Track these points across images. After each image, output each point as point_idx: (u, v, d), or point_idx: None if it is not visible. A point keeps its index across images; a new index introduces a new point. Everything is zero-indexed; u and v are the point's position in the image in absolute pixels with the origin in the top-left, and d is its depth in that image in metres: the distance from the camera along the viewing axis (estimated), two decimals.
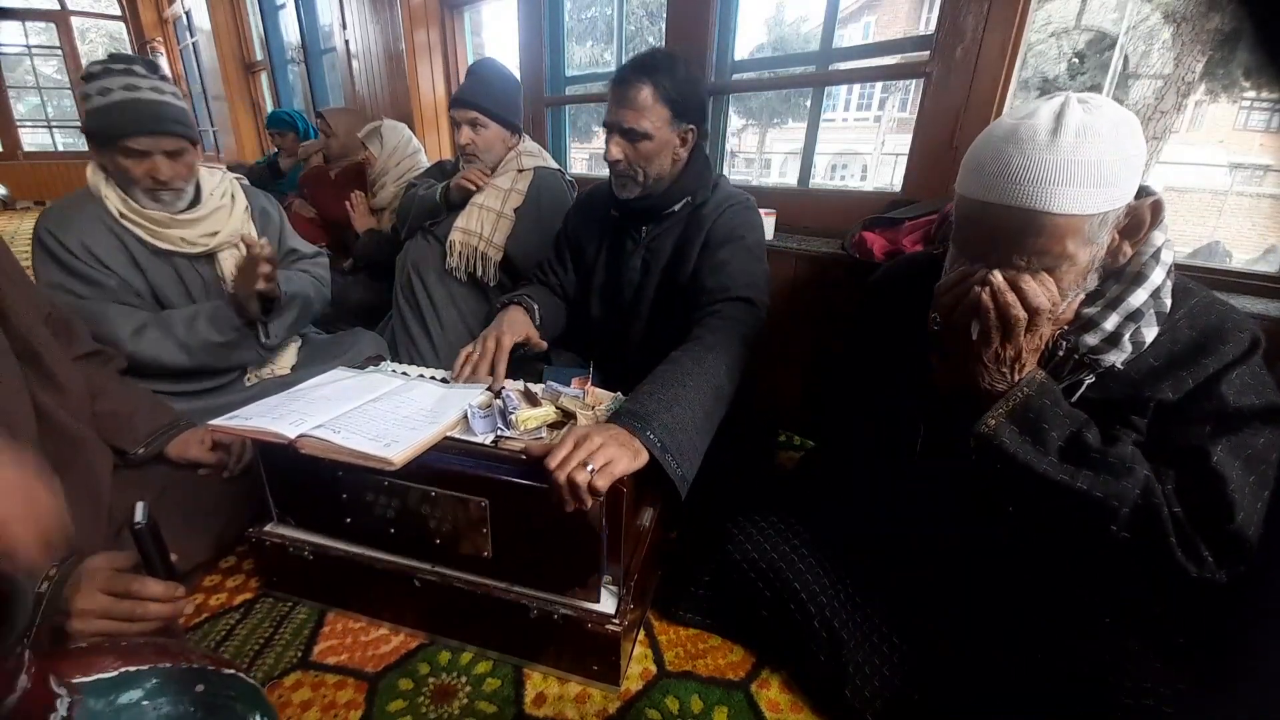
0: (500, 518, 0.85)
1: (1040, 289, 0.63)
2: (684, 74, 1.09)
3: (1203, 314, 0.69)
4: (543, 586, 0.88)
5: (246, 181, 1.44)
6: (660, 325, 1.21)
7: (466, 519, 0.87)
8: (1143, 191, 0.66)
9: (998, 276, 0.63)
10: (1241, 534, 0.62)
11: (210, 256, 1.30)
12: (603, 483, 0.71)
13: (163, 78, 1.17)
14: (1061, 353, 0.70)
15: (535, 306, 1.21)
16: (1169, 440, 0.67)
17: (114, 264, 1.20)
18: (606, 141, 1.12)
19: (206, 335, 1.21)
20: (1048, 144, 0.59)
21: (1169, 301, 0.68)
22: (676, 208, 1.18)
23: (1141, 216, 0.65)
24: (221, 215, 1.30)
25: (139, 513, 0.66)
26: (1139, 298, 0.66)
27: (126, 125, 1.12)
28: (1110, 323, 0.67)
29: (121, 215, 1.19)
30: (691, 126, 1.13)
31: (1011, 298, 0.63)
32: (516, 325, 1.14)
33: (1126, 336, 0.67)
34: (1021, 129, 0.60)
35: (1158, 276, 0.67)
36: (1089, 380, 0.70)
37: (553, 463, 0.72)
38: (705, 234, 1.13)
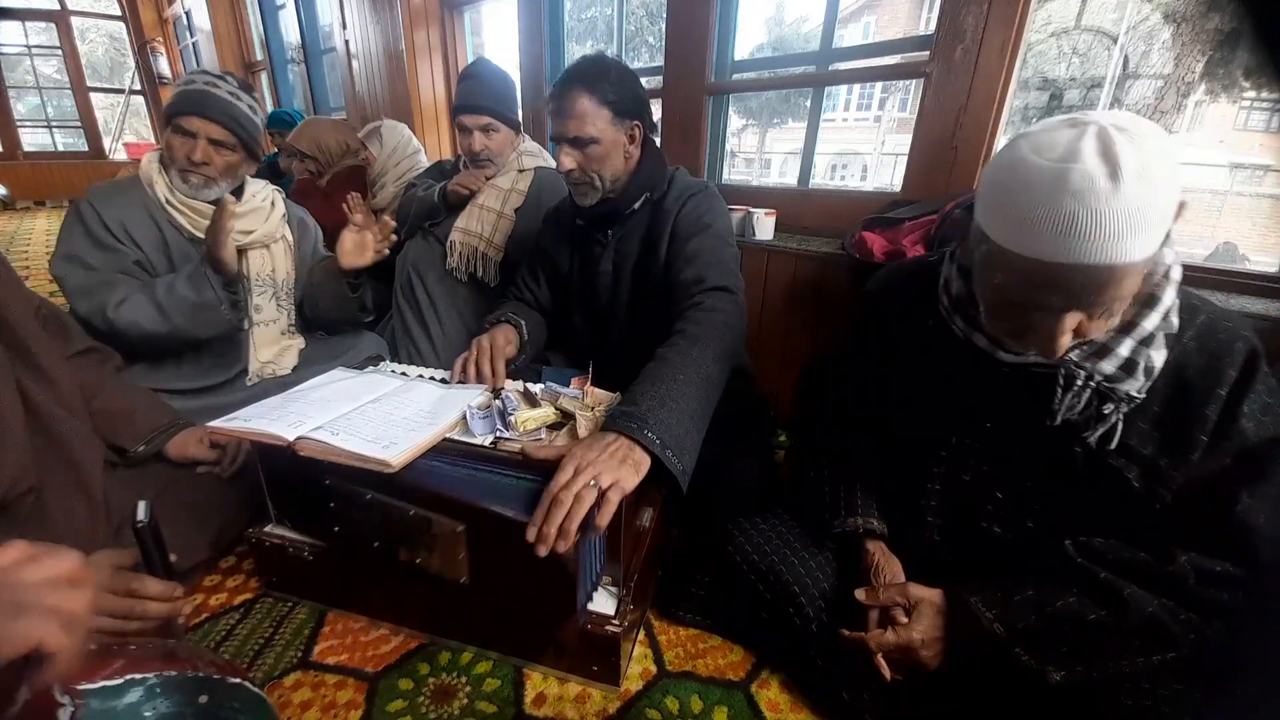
0: (478, 545, 0.82)
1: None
2: (616, 74, 1.11)
3: (1209, 333, 0.66)
4: (518, 619, 0.86)
5: (284, 194, 1.50)
6: (640, 325, 1.21)
7: (444, 542, 0.83)
8: None
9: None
10: (1264, 571, 0.63)
11: (240, 252, 1.34)
12: (615, 496, 0.70)
13: (253, 97, 1.30)
14: (1080, 382, 0.65)
15: (522, 323, 1.22)
16: (1195, 480, 0.66)
17: (143, 243, 1.25)
18: (557, 154, 1.14)
19: (183, 294, 1.20)
20: (1111, 192, 0.52)
21: (1177, 321, 0.65)
22: (636, 205, 1.19)
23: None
24: (259, 216, 1.37)
25: (141, 511, 0.66)
26: (1152, 321, 0.63)
27: (186, 106, 1.22)
28: (1125, 348, 0.64)
29: (167, 202, 1.26)
30: (636, 122, 1.14)
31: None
32: (498, 336, 1.16)
33: (1141, 363, 0.64)
34: (1073, 177, 0.53)
35: (1169, 297, 0.63)
36: (1116, 417, 0.66)
37: (555, 487, 0.70)
38: (671, 226, 1.14)
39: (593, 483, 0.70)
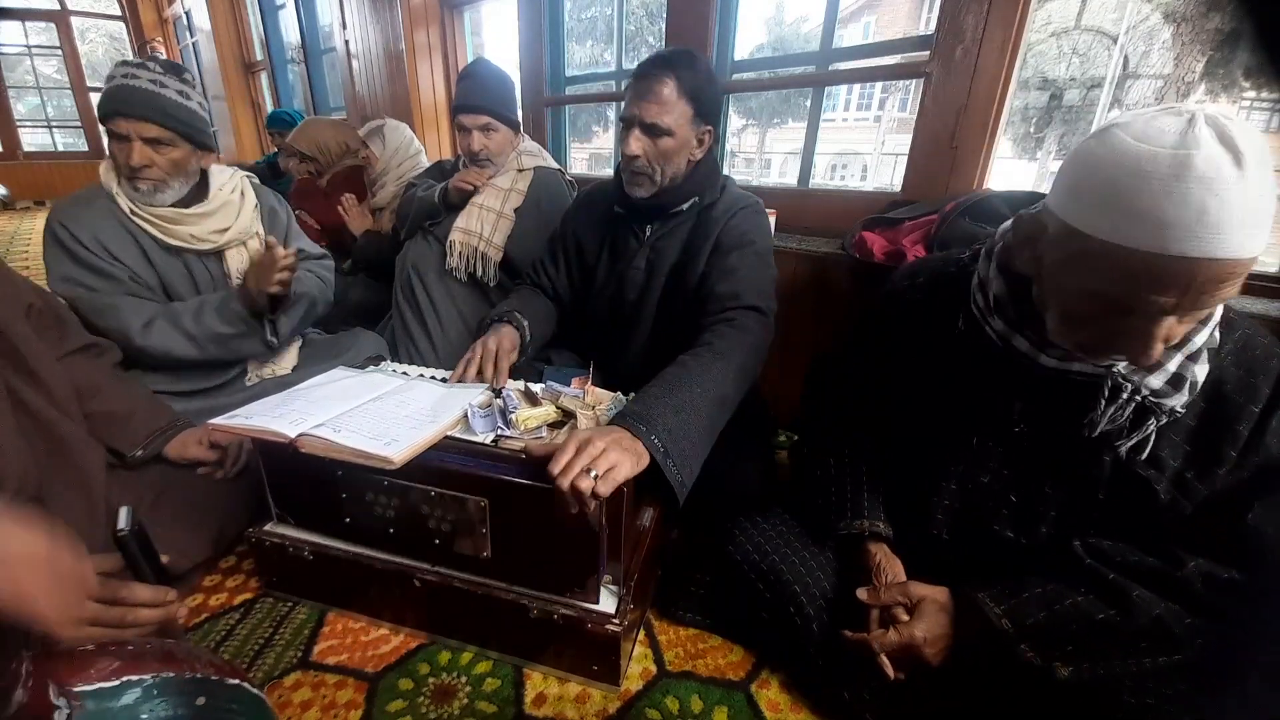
0: (499, 518, 0.85)
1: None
2: (705, 72, 1.08)
3: (1246, 349, 0.65)
4: (541, 587, 0.88)
5: (257, 180, 1.43)
6: (664, 327, 1.20)
7: (465, 519, 0.86)
8: None
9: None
10: (1272, 579, 0.63)
11: (219, 253, 1.31)
12: (605, 489, 0.70)
13: (183, 79, 1.18)
14: (1125, 394, 0.64)
15: (525, 324, 1.19)
16: (1218, 493, 0.66)
17: (126, 258, 1.20)
18: (623, 136, 1.09)
19: (213, 327, 1.20)
20: (1238, 179, 0.49)
21: (1218, 335, 0.64)
22: (684, 207, 1.17)
23: None
24: (229, 211, 1.30)
25: (122, 519, 0.64)
26: (1202, 336, 0.62)
27: (110, 108, 1.12)
28: (1174, 363, 0.62)
29: (132, 212, 1.20)
30: (709, 128, 1.11)
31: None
32: (502, 340, 1.13)
33: (1188, 379, 0.62)
34: (1198, 163, 0.50)
35: (1217, 312, 0.62)
36: (1152, 430, 0.65)
37: (555, 468, 0.71)
38: (715, 237, 1.12)
39: (591, 472, 0.70)
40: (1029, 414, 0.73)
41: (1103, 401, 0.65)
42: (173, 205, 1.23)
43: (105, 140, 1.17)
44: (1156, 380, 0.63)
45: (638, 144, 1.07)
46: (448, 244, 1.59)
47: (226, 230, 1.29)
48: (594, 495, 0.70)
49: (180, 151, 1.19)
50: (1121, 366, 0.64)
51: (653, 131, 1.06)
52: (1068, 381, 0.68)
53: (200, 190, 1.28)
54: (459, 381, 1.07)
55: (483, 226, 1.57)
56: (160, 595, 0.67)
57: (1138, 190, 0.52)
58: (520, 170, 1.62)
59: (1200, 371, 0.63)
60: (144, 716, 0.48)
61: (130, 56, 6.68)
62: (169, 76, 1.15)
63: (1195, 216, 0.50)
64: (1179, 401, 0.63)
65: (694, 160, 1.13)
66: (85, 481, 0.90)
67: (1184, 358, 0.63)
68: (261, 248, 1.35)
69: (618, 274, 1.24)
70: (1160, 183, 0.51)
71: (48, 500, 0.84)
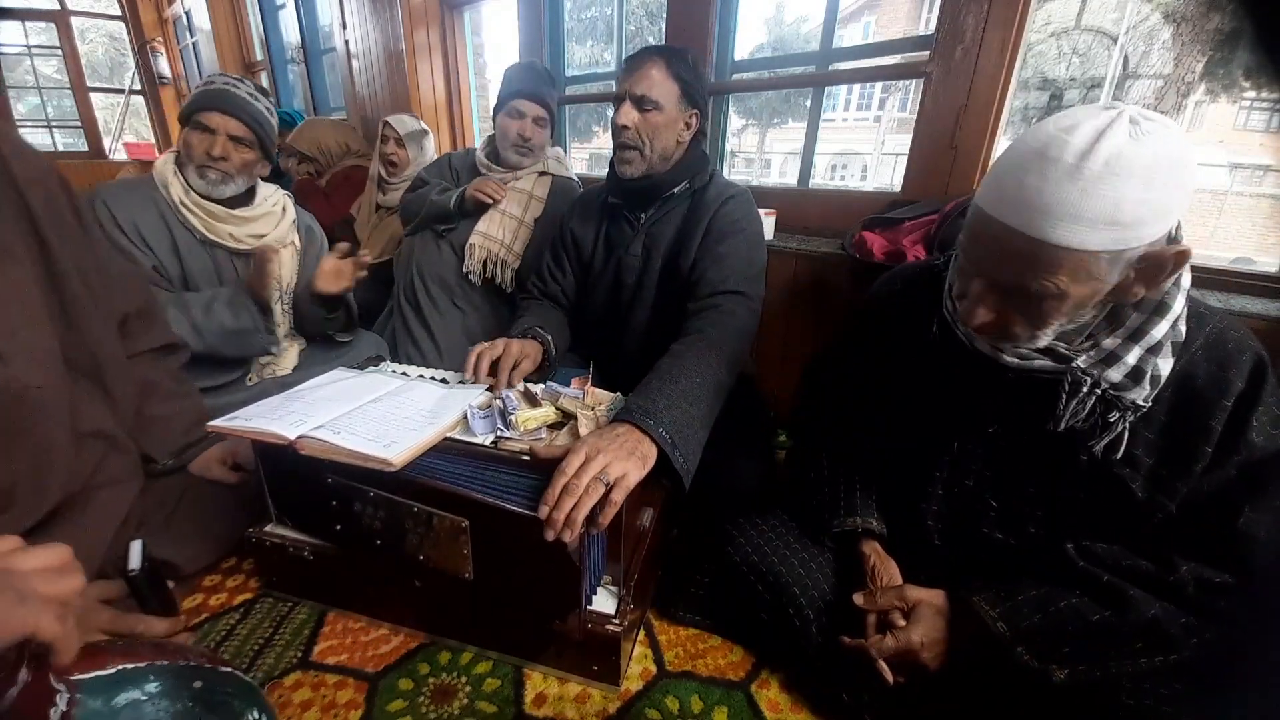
0: (481, 540, 0.82)
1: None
2: (693, 63, 1.15)
3: (1217, 343, 0.65)
4: (524, 615, 0.86)
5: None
6: (663, 314, 1.21)
7: (447, 538, 0.84)
8: (1171, 237, 0.59)
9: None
10: (1264, 583, 0.63)
11: (250, 255, 1.37)
12: (619, 496, 0.71)
13: (270, 101, 1.35)
14: (1085, 388, 0.64)
15: (550, 338, 1.20)
16: (1199, 491, 0.65)
17: (156, 247, 1.27)
18: (616, 112, 1.14)
19: (222, 319, 1.25)
20: (1070, 171, 0.53)
21: (1184, 330, 0.63)
22: (676, 190, 1.20)
23: (1162, 262, 0.57)
24: (270, 220, 1.41)
25: (134, 558, 0.64)
26: (1161, 329, 0.62)
27: (207, 102, 1.26)
28: (1133, 356, 0.62)
29: (181, 203, 1.28)
30: (696, 111, 1.16)
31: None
32: (527, 348, 1.13)
33: (1148, 372, 0.62)
34: (1052, 146, 0.54)
35: (1179, 305, 0.62)
36: (1123, 426, 0.65)
37: (568, 470, 0.71)
38: (708, 222, 1.15)
39: (602, 476, 0.71)
40: (1002, 415, 0.74)
41: (1064, 396, 0.66)
42: (223, 203, 1.31)
43: (177, 135, 1.29)
44: (1116, 373, 0.63)
45: (628, 115, 1.12)
46: (466, 247, 1.59)
47: (264, 236, 1.38)
48: (609, 503, 0.70)
49: (253, 155, 1.31)
50: (1083, 361, 0.64)
51: (642, 104, 1.11)
52: (1033, 380, 0.69)
53: (248, 196, 1.38)
54: (469, 375, 1.06)
55: (504, 233, 1.58)
56: (173, 626, 0.67)
57: (1009, 160, 0.58)
58: (541, 174, 1.63)
59: (1164, 365, 0.63)
60: (142, 699, 0.48)
61: (130, 57, 6.69)
62: (260, 94, 1.32)
63: (1015, 187, 0.56)
64: (1140, 395, 0.63)
65: (682, 143, 1.17)
66: (116, 498, 0.88)
67: (1143, 351, 0.63)
68: (293, 257, 1.46)
69: (615, 262, 1.26)
70: (1019, 155, 0.57)
71: (67, 510, 0.82)
